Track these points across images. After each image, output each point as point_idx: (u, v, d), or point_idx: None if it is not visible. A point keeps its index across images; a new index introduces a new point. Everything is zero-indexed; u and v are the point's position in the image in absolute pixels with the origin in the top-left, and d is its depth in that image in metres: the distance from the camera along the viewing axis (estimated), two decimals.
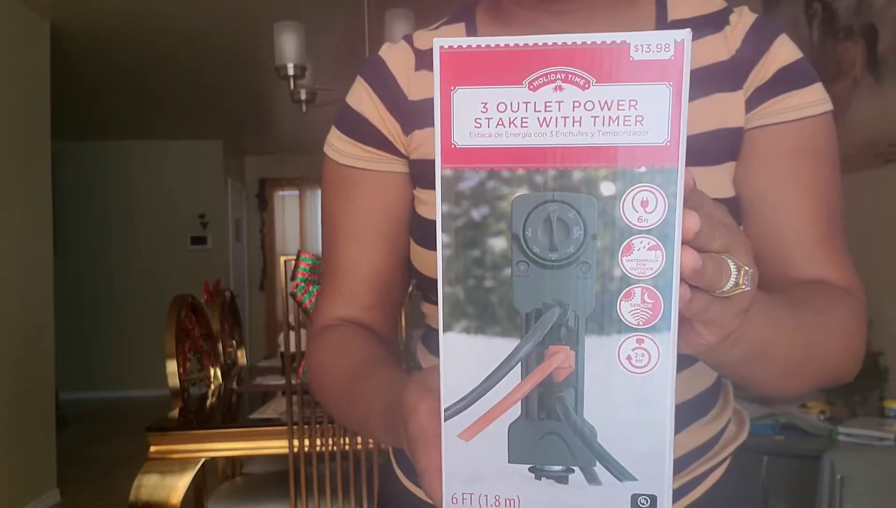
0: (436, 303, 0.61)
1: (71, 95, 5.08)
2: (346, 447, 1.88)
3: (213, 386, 2.55)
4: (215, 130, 6.66)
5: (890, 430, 1.97)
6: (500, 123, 0.34)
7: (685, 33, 0.33)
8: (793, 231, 0.61)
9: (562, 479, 0.36)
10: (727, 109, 0.61)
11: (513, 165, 0.34)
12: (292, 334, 1.93)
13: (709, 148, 0.60)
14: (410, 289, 1.63)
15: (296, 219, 7.97)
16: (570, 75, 0.33)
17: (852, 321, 0.58)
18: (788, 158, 0.61)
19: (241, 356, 3.08)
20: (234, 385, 2.57)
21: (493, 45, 0.34)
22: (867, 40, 2.41)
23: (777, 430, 2.07)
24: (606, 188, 0.33)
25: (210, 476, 2.43)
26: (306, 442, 1.86)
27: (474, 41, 0.34)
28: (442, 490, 0.37)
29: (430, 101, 0.58)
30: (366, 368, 0.60)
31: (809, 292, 0.58)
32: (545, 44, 0.33)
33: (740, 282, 0.36)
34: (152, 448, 1.91)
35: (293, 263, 1.72)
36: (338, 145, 0.69)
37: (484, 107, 0.34)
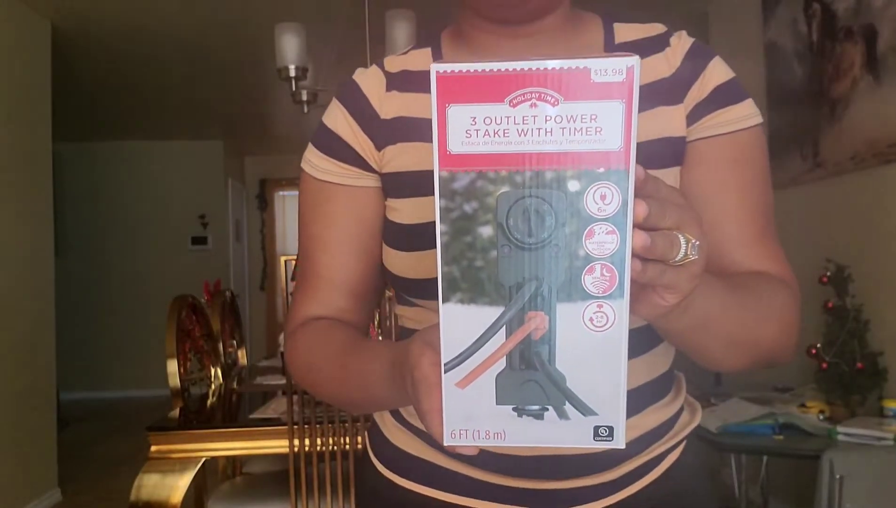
0: (408, 305, 0.73)
1: (71, 96, 5.09)
2: (346, 446, 1.88)
3: (213, 386, 2.55)
4: (216, 130, 6.66)
5: (889, 430, 1.97)
6: (486, 133, 0.41)
7: (635, 60, 0.40)
8: (735, 229, 0.69)
9: (539, 416, 0.45)
10: (669, 121, 0.69)
11: (497, 167, 0.42)
12: None
13: (655, 154, 0.68)
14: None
15: (296, 219, 7.89)
16: (543, 94, 0.40)
17: (788, 307, 0.66)
18: (728, 166, 0.69)
19: (242, 356, 3.08)
20: (235, 385, 2.58)
21: (479, 70, 0.41)
22: (866, 41, 2.42)
23: (776, 430, 2.07)
24: (573, 186, 0.41)
25: (210, 476, 2.43)
26: (306, 442, 1.86)
27: (464, 66, 0.41)
28: (442, 428, 0.45)
29: (401, 119, 0.71)
30: (356, 343, 0.67)
31: (751, 279, 0.66)
32: (522, 69, 0.40)
33: (689, 252, 0.44)
34: (153, 448, 1.92)
35: (293, 263, 1.73)
36: (314, 161, 0.75)
37: (473, 120, 0.41)
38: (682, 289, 0.45)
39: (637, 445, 0.70)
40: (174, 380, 2.19)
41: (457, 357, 0.44)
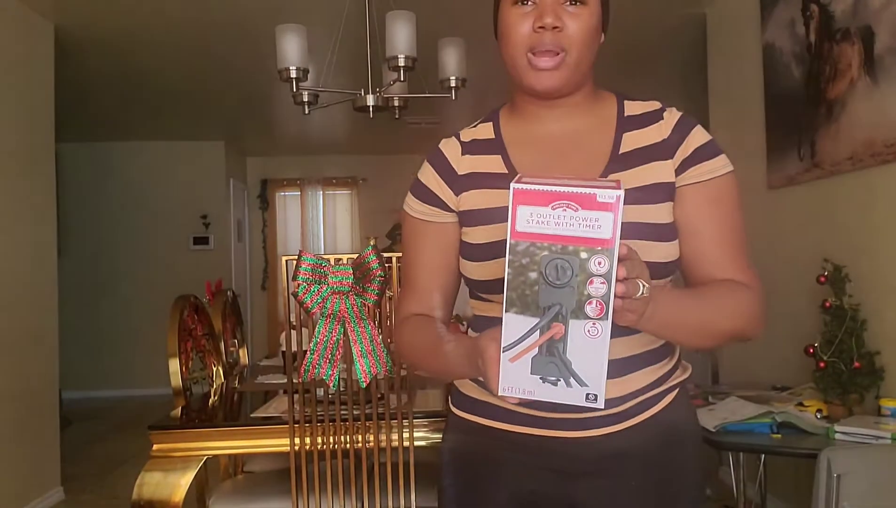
0: (479, 299, 1.08)
1: (74, 97, 5.10)
2: (347, 445, 1.89)
3: (215, 385, 2.56)
4: (218, 131, 6.68)
5: (886, 429, 1.97)
6: (537, 222, 0.74)
7: (621, 191, 0.73)
8: (713, 249, 0.99)
9: (554, 384, 0.78)
10: (661, 171, 0.99)
11: (541, 241, 0.74)
12: (293, 333, 1.95)
13: (651, 193, 0.98)
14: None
15: (297, 219, 7.99)
16: (569, 205, 0.74)
17: (747, 302, 0.97)
18: (707, 204, 0.99)
19: (243, 355, 3.10)
20: (236, 384, 2.59)
21: (535, 189, 0.74)
22: (864, 42, 2.43)
23: (774, 428, 2.08)
24: (583, 255, 0.74)
25: (212, 475, 2.44)
26: (307, 440, 1.87)
27: (528, 186, 0.74)
28: (498, 386, 0.79)
29: (472, 174, 1.06)
30: (443, 335, 1.01)
31: (718, 286, 0.98)
32: (558, 191, 0.74)
33: (643, 292, 0.77)
34: (155, 447, 1.93)
35: (294, 263, 1.74)
36: (412, 205, 1.10)
37: (530, 214, 0.74)
38: (639, 310, 0.78)
39: (637, 393, 1.01)
40: (176, 379, 2.20)
41: (511, 344, 0.77)
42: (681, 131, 1.00)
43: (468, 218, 1.04)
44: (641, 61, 4.58)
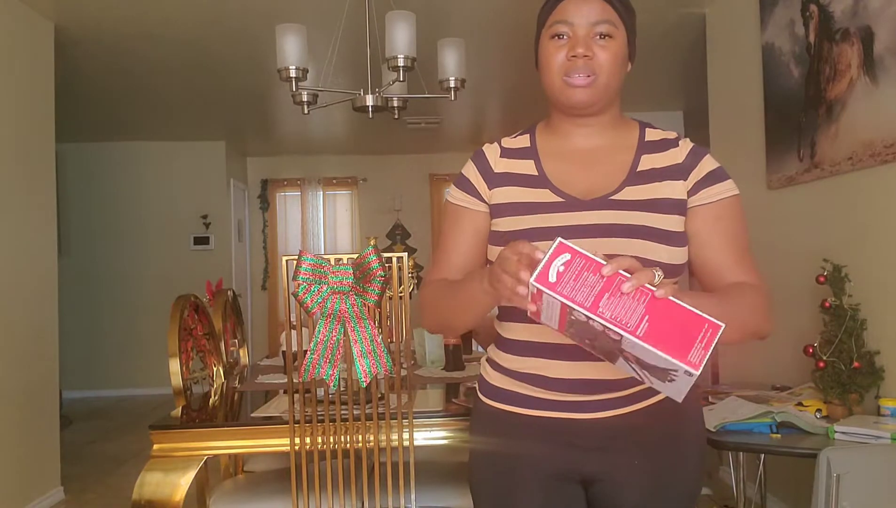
0: (507, 320, 1.26)
1: (74, 97, 5.11)
2: (347, 445, 1.90)
3: (215, 385, 2.57)
4: (218, 131, 6.68)
5: (886, 428, 1.98)
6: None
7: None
8: (722, 257, 1.16)
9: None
10: (673, 189, 1.16)
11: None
12: (293, 333, 1.95)
13: (661, 206, 1.15)
14: (413, 287, 1.99)
15: (297, 219, 7.99)
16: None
17: (755, 301, 1.11)
18: (715, 221, 1.16)
19: (244, 355, 3.10)
20: (237, 384, 2.60)
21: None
22: (863, 42, 2.43)
23: (774, 428, 2.08)
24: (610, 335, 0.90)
25: (212, 474, 2.45)
26: (308, 440, 1.88)
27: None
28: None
29: (505, 173, 1.23)
30: (462, 279, 1.16)
31: (730, 288, 1.13)
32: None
33: (659, 277, 0.89)
34: (155, 446, 1.92)
35: (295, 263, 1.74)
36: (453, 193, 1.28)
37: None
38: (669, 284, 0.89)
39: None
40: (176, 379, 2.20)
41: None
42: (694, 157, 1.18)
43: (497, 210, 1.21)
44: (641, 61, 4.55)
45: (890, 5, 2.29)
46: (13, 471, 3.35)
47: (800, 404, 2.27)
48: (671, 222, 1.14)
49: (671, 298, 0.86)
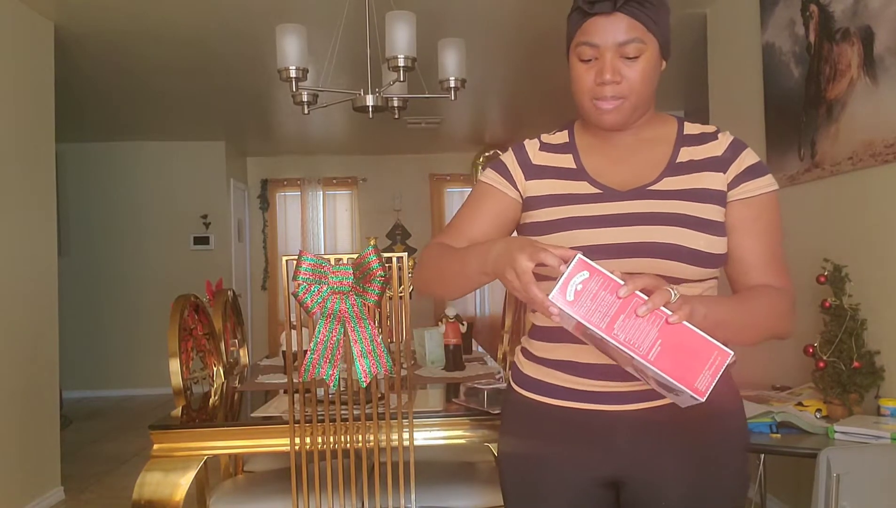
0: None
1: (74, 97, 5.11)
2: (347, 445, 1.90)
3: (215, 385, 2.57)
4: (218, 131, 6.68)
5: (886, 428, 1.98)
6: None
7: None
8: (753, 257, 1.15)
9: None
10: (713, 180, 1.15)
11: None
12: (293, 333, 1.95)
13: (700, 195, 1.14)
14: (410, 293, 1.99)
15: (297, 219, 7.99)
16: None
17: (780, 303, 1.12)
18: (752, 219, 1.15)
19: (244, 355, 3.10)
20: (237, 384, 2.60)
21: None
22: (863, 42, 2.43)
23: (774, 428, 2.08)
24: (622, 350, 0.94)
25: (213, 474, 2.45)
26: (308, 440, 1.88)
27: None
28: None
29: (543, 166, 1.24)
30: (465, 249, 1.14)
31: (756, 290, 1.14)
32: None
33: (675, 297, 0.92)
34: (155, 446, 1.93)
35: (294, 263, 1.74)
36: (487, 173, 1.28)
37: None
38: (686, 309, 0.92)
39: None
40: (176, 379, 2.20)
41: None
42: (734, 150, 1.16)
43: (536, 202, 1.22)
44: None
45: (890, 5, 2.29)
46: (13, 471, 3.35)
47: (800, 404, 2.27)
48: (711, 212, 1.12)
49: (684, 323, 0.90)
